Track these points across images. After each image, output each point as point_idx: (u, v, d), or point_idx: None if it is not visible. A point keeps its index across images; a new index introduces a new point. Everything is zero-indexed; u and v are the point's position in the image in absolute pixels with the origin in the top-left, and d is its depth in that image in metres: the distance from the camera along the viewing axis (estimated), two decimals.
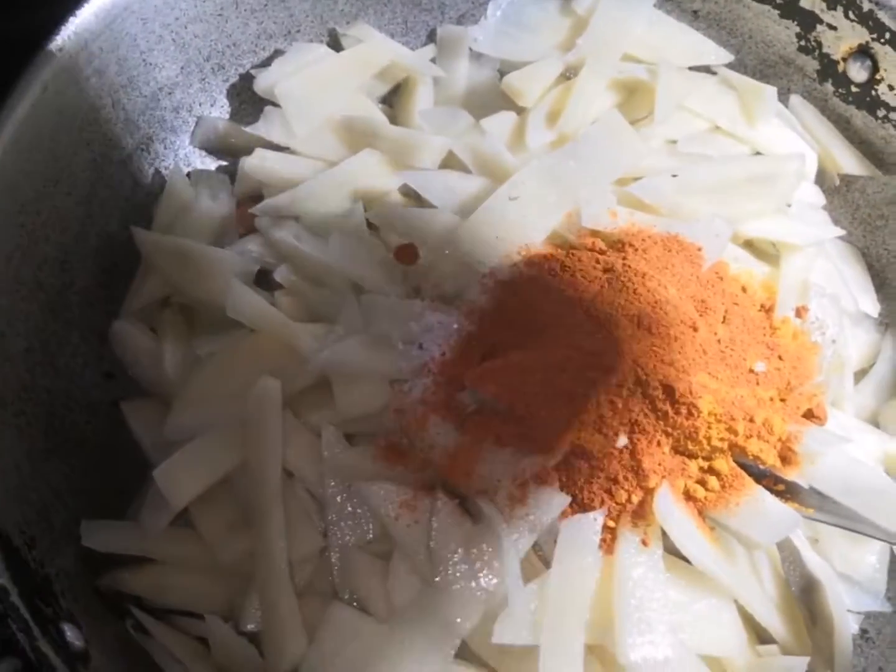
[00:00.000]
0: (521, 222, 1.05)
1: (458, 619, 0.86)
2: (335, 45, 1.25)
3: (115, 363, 1.11)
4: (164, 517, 0.94)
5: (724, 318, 1.00)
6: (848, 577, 1.00)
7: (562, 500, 0.90)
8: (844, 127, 1.22)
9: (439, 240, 1.05)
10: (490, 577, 0.87)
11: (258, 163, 1.14)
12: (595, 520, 0.89)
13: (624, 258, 1.02)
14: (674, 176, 1.08)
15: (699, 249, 1.05)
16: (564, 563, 0.87)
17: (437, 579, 0.87)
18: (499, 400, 0.92)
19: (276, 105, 1.18)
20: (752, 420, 0.93)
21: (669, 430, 0.92)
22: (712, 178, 1.10)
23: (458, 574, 0.87)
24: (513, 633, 0.85)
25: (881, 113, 1.18)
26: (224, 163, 1.24)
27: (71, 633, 0.83)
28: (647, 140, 1.14)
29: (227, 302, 1.00)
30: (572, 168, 1.08)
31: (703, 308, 1.00)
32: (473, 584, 0.87)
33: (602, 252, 1.04)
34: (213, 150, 1.24)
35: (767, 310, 1.04)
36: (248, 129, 1.16)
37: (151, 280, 1.10)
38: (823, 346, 1.02)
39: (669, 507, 0.89)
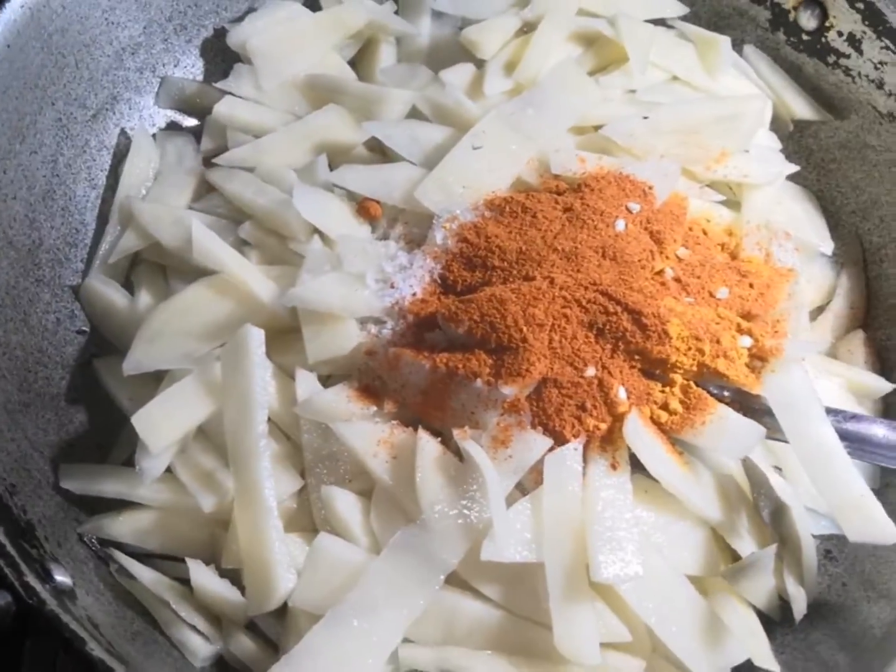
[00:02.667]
0: (486, 171, 1.07)
1: (445, 555, 0.88)
2: (313, 1, 1.26)
3: (86, 320, 1.12)
4: (160, 462, 0.96)
5: (685, 247, 1.03)
6: (813, 510, 1.03)
7: (543, 442, 0.92)
8: (796, 74, 1.26)
9: (404, 193, 1.07)
10: (476, 513, 0.89)
11: (227, 110, 1.16)
12: (576, 450, 0.92)
13: (581, 198, 1.04)
14: (644, 118, 1.11)
15: (650, 188, 1.07)
16: (553, 492, 0.90)
17: (423, 517, 0.89)
18: (472, 335, 0.94)
19: (243, 62, 1.19)
20: (718, 341, 0.96)
21: (639, 356, 0.94)
22: (680, 120, 1.13)
23: (444, 511, 0.89)
24: (500, 552, 0.87)
25: (831, 59, 1.22)
26: (189, 123, 1.25)
27: (57, 572, 0.84)
28: (607, 90, 1.16)
29: (192, 245, 1.01)
30: (531, 115, 1.11)
31: (660, 239, 1.03)
32: (460, 521, 0.88)
33: (560, 193, 1.07)
34: (177, 109, 1.25)
35: (732, 249, 1.07)
36: (218, 85, 1.17)
37: (125, 237, 1.10)
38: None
39: (639, 433, 0.92)
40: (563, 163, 1.07)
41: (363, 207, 1.08)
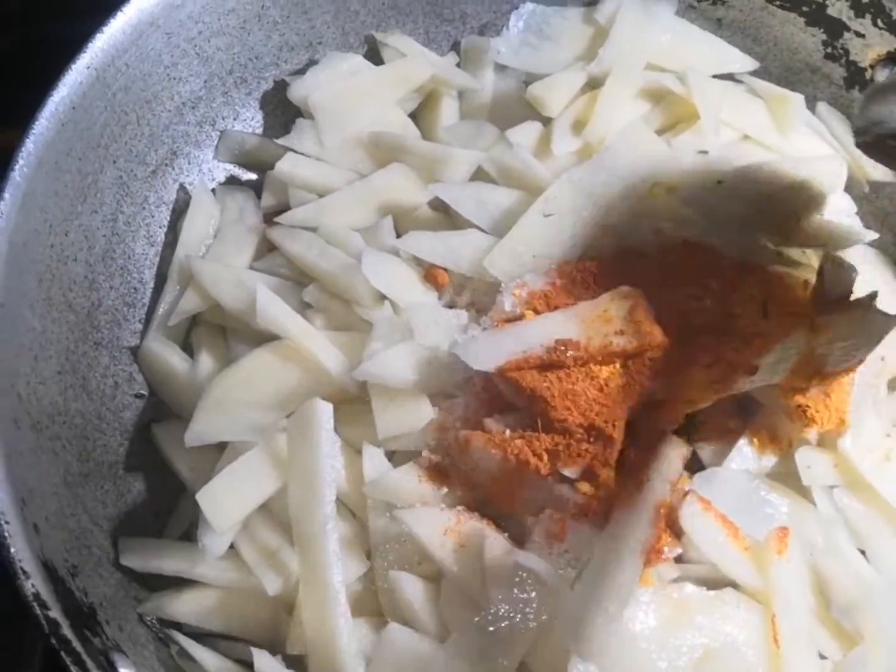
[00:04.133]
0: (557, 239, 1.04)
1: (504, 661, 0.85)
2: (373, 53, 1.24)
3: (145, 384, 1.10)
4: (223, 540, 0.93)
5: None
6: None
7: None
8: None
9: (472, 262, 1.04)
10: (534, 616, 0.86)
11: (289, 168, 1.13)
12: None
13: (657, 268, 1.02)
14: (719, 182, 1.08)
15: (727, 260, 1.04)
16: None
17: (484, 617, 0.86)
18: (522, 391, 0.92)
19: (303, 116, 1.17)
20: None
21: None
22: (754, 183, 1.09)
23: (501, 613, 0.86)
24: None
25: None
26: (249, 177, 1.23)
27: (121, 663, 0.82)
28: (678, 151, 1.13)
29: (257, 310, 0.98)
30: (602, 180, 1.07)
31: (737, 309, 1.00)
32: (521, 620, 0.86)
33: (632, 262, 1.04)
34: (237, 163, 1.23)
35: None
36: (279, 141, 1.15)
37: (185, 298, 1.08)
38: None
39: (696, 520, 0.91)
40: (638, 233, 1.04)
41: (430, 274, 1.05)
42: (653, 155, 1.11)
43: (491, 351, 0.95)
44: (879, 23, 1.15)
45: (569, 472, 0.91)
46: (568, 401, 0.92)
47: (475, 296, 1.04)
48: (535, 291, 1.01)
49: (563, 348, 0.94)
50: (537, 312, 0.99)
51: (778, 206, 1.10)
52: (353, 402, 0.98)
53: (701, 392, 0.95)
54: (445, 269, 1.05)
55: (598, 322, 0.95)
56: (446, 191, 1.09)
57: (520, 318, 0.99)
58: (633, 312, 0.95)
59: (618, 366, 0.96)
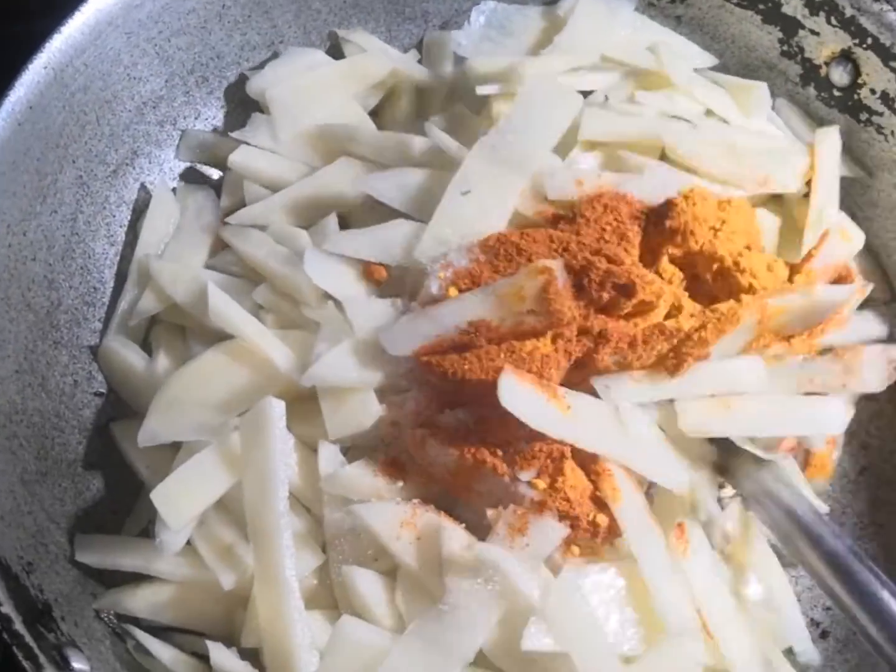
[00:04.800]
0: (480, 214, 1.01)
1: (461, 651, 0.87)
2: (336, 49, 1.24)
3: (104, 382, 1.10)
4: (180, 537, 0.94)
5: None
6: None
7: (560, 530, 0.91)
8: None
9: (404, 252, 1.02)
10: (494, 601, 0.88)
11: (242, 160, 1.13)
12: None
13: (577, 232, 0.99)
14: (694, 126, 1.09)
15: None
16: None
17: (443, 606, 0.87)
18: (444, 375, 0.93)
19: (263, 112, 1.17)
20: None
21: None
22: (731, 138, 1.10)
23: (461, 598, 0.87)
24: (541, 640, 0.86)
25: (863, 116, 1.19)
26: (210, 177, 1.23)
27: (75, 658, 0.83)
28: (642, 106, 1.12)
29: (209, 308, 0.98)
30: (511, 142, 1.03)
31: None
32: (478, 610, 0.87)
33: (555, 223, 1.02)
34: (198, 162, 1.23)
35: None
36: (234, 135, 1.15)
37: (144, 298, 1.08)
38: None
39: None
40: (559, 187, 1.02)
41: (368, 272, 1.03)
42: (561, 101, 1.07)
43: (407, 336, 0.95)
44: (833, 21, 1.16)
45: (524, 475, 0.93)
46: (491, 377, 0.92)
47: (416, 286, 1.01)
48: (459, 270, 0.99)
49: (473, 330, 0.94)
50: (462, 291, 0.97)
51: (748, 161, 1.10)
52: (305, 400, 0.98)
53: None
54: (383, 267, 1.03)
55: (513, 300, 0.93)
56: (371, 183, 1.06)
57: (443, 299, 0.98)
58: (547, 289, 0.92)
59: (547, 339, 0.95)
